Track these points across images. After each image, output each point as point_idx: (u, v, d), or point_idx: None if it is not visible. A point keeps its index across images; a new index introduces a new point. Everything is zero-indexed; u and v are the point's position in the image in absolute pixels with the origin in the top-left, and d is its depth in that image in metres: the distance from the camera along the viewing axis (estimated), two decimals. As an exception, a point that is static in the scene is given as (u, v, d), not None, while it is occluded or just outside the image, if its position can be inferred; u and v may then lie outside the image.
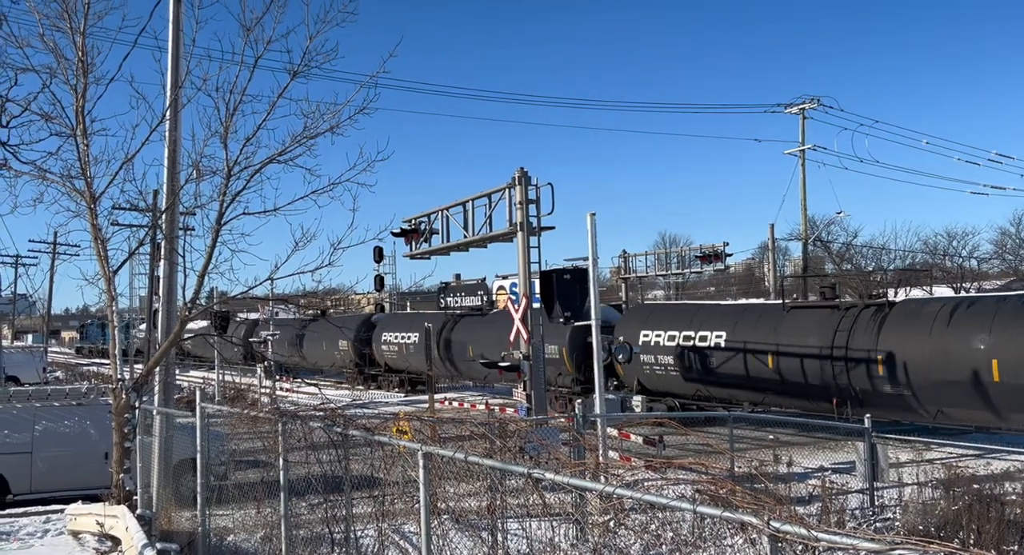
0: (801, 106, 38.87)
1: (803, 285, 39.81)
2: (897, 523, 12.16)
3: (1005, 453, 17.58)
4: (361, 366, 40.68)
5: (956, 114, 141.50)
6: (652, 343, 25.66)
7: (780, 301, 24.11)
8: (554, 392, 27.52)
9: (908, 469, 15.83)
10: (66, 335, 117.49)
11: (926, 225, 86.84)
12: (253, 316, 50.87)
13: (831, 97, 69.22)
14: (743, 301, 32.81)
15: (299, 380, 46.92)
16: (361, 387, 40.10)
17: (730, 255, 38.54)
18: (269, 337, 39.03)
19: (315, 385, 42.60)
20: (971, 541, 10.21)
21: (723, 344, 23.34)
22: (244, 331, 50.27)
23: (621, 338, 26.66)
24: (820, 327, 21.17)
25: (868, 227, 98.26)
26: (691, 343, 24.33)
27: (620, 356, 26.00)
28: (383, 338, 38.68)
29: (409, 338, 37.01)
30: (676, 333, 24.89)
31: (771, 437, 20.95)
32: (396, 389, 38.40)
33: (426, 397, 32.64)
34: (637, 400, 25.56)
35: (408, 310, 60.65)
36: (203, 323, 45.42)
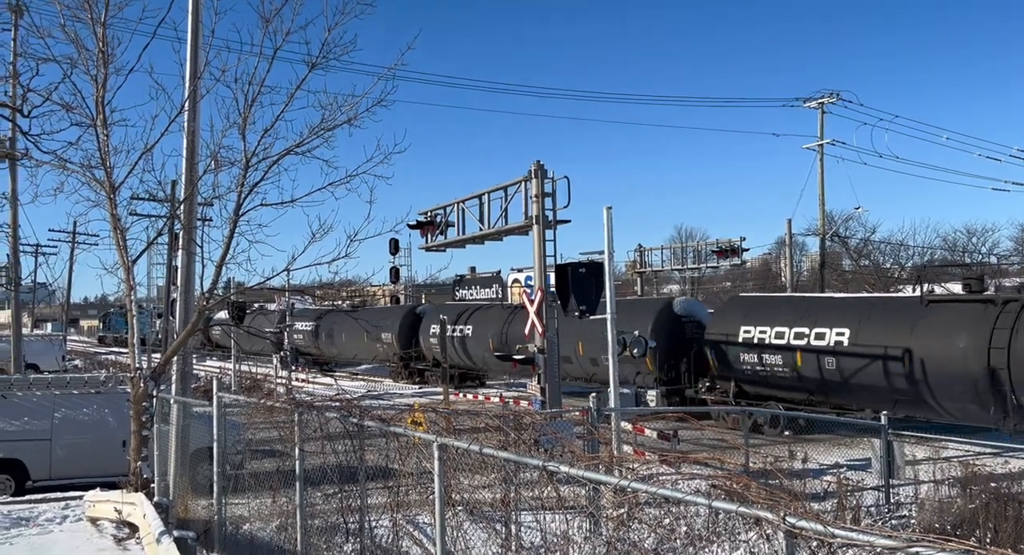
0: (820, 100, 38.56)
1: (820, 280, 39.55)
2: (913, 521, 12.10)
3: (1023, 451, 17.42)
4: (406, 360, 39.17)
5: (978, 109, 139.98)
6: (755, 340, 23.02)
7: (917, 294, 21.07)
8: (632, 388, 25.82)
9: (924, 467, 15.74)
10: (85, 324, 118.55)
11: (945, 221, 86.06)
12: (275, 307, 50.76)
13: (850, 91, 68.67)
14: (864, 295, 29.53)
15: (334, 373, 46.07)
16: (405, 382, 38.72)
17: (746, 250, 38.39)
18: (287, 328, 39.20)
19: (331, 376, 42.68)
20: (988, 540, 10.14)
21: (845, 343, 20.62)
22: (277, 321, 50.07)
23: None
24: (972, 325, 18.27)
25: (887, 223, 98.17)
26: (804, 341, 21.64)
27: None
28: (431, 331, 36.92)
29: (462, 331, 35.22)
30: (785, 329, 22.23)
31: (787, 432, 20.87)
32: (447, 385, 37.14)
33: (440, 389, 32.79)
34: (652, 395, 25.44)
35: (449, 301, 60.20)
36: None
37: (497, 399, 28.32)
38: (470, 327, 34.26)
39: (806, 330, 21.74)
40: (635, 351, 25.88)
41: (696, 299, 30.60)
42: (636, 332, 26.34)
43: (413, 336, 38.37)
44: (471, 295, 34.84)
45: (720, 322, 25.03)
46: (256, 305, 50.80)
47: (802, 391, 22.19)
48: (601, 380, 26.21)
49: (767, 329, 22.82)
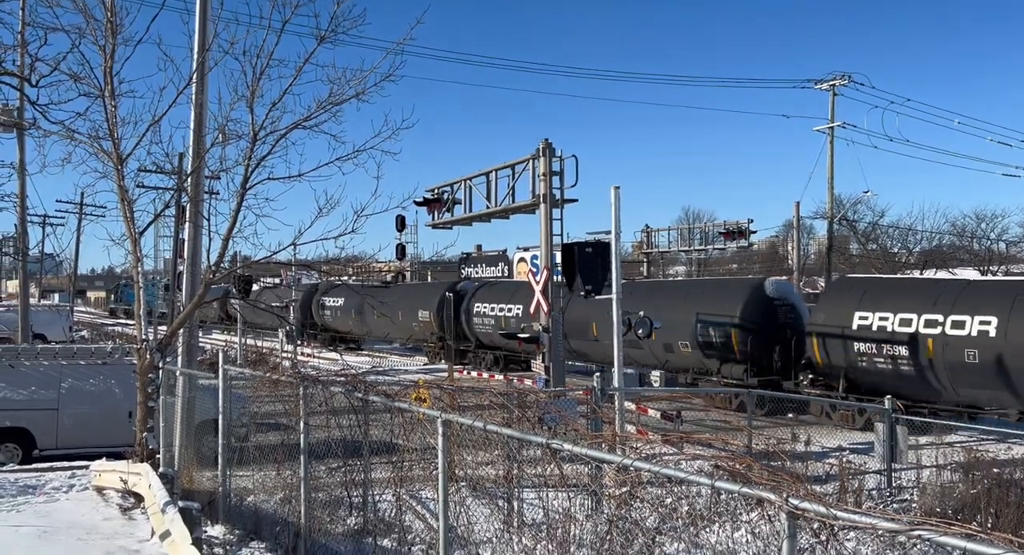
0: (832, 82, 38.24)
1: (827, 264, 39.43)
2: (914, 505, 12.13)
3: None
4: (445, 339, 36.37)
5: (990, 94, 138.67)
6: (874, 328, 20.19)
7: None
8: (716, 382, 23.67)
9: (927, 451, 15.76)
10: (92, 295, 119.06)
11: (955, 206, 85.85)
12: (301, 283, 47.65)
13: (863, 74, 68.06)
14: (1012, 278, 26.30)
15: (365, 352, 44.10)
16: (445, 363, 35.50)
17: (754, 232, 38.24)
18: (291, 302, 39.24)
19: (335, 353, 42.63)
20: (989, 525, 10.17)
21: (992, 333, 17.89)
22: (303, 297, 46.73)
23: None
24: None
25: (895, 207, 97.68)
26: (937, 330, 18.91)
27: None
28: (476, 309, 34.38)
29: (512, 310, 32.57)
30: (912, 316, 19.47)
31: (789, 415, 20.91)
32: (492, 368, 33.35)
33: (444, 366, 32.88)
34: (655, 375, 25.40)
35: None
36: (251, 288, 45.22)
37: (501, 377, 28.34)
38: (520, 307, 31.28)
39: (939, 317, 18.99)
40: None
41: (784, 280, 27.45)
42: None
43: (455, 315, 35.88)
44: (477, 273, 34.75)
45: (828, 307, 22.03)
46: (279, 279, 49.53)
47: (930, 388, 19.51)
48: (676, 367, 25.38)
49: (889, 316, 19.92)
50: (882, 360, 20.16)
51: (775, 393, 21.31)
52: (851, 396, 20.37)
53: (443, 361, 35.84)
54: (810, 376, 22.02)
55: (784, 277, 36.56)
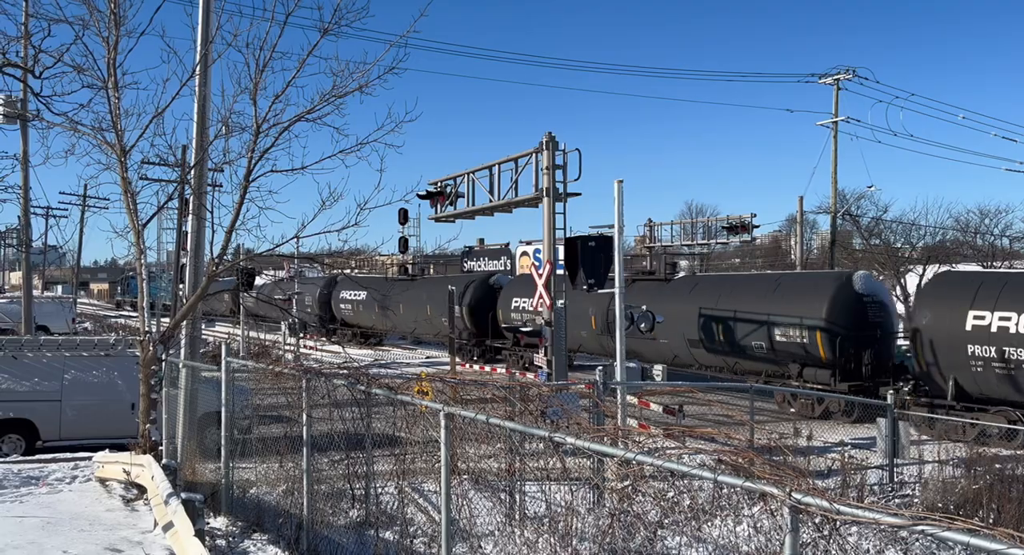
0: (835, 77, 38.11)
1: (830, 258, 39.36)
2: (916, 500, 12.14)
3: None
4: (480, 337, 34.22)
5: (995, 89, 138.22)
6: (993, 329, 17.82)
7: None
8: (799, 385, 21.12)
9: (929, 446, 15.76)
10: (95, 287, 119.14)
11: (958, 202, 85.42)
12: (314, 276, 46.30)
13: (867, 68, 67.92)
14: None
15: (386, 347, 42.01)
16: (479, 363, 33.90)
17: (757, 227, 38.13)
18: (295, 295, 39.19)
19: (333, 346, 42.50)
20: (991, 520, 10.17)
21: None
22: (319, 291, 45.20)
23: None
24: None
25: (899, 202, 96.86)
26: None
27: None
28: (514, 304, 31.84)
29: (520, 303, 30.19)
30: None
31: (792, 410, 20.91)
32: (530, 369, 30.96)
33: (447, 359, 32.87)
34: (658, 369, 25.35)
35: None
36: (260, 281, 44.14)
37: (504, 370, 28.32)
38: (561, 302, 30.81)
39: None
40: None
41: (865, 271, 24.65)
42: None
43: (489, 310, 33.39)
44: (479, 266, 34.63)
45: (934, 305, 19.42)
46: (282, 271, 47.12)
47: None
48: (746, 370, 23.44)
49: (1012, 315, 17.66)
50: (1002, 366, 17.72)
51: (777, 388, 21.33)
52: (960, 406, 18.54)
53: (476, 360, 34.23)
54: (910, 382, 19.74)
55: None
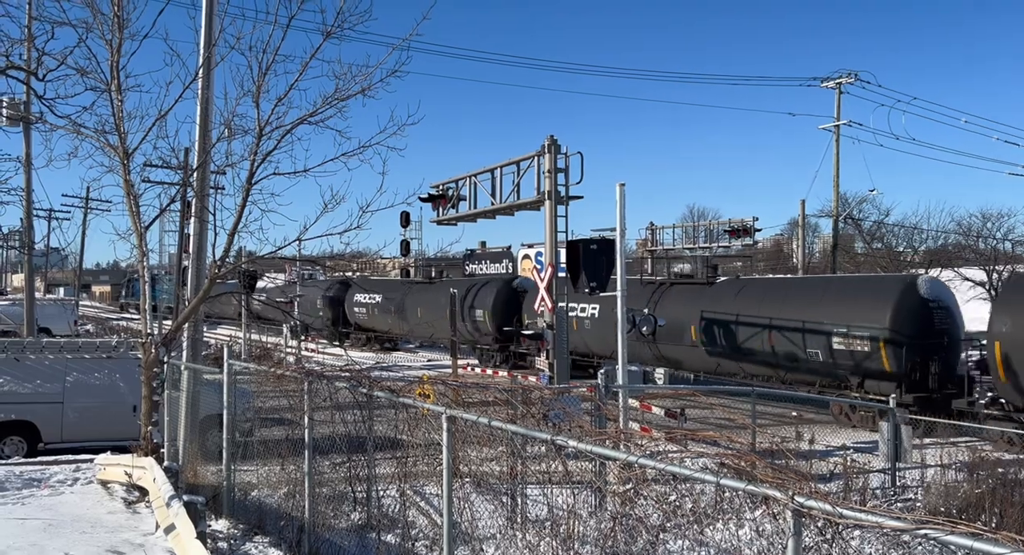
0: (838, 80, 38.13)
1: (832, 262, 39.35)
2: (919, 504, 12.12)
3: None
4: (504, 342, 32.41)
5: (997, 93, 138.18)
6: None
7: None
8: (858, 396, 19.80)
9: (931, 451, 15.73)
10: (97, 289, 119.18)
11: (960, 206, 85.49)
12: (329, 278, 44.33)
13: (869, 72, 67.94)
14: None
15: (400, 351, 40.38)
16: (504, 370, 31.26)
17: (759, 230, 38.13)
18: (296, 298, 39.15)
19: (338, 347, 42.34)
20: (993, 525, 10.15)
21: None
22: (333, 294, 43.88)
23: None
24: None
25: (901, 206, 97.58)
26: None
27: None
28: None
29: (586, 310, 28.20)
30: None
31: (794, 414, 20.89)
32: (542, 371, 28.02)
33: (449, 362, 32.82)
34: (660, 373, 25.39)
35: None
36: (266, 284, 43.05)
37: (505, 373, 28.22)
38: (596, 306, 27.81)
39: None
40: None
41: (934, 279, 23.08)
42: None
43: (514, 314, 31.85)
44: (481, 270, 34.53)
45: (1013, 311, 17.65)
46: (307, 275, 45.35)
47: None
48: (798, 381, 22.22)
49: None
50: None
51: (780, 392, 21.29)
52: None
53: (499, 365, 32.37)
54: (988, 395, 18.06)
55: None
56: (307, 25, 11.51)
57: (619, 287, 15.58)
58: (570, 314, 27.52)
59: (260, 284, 44.73)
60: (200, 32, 12.44)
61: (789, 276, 39.63)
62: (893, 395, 15.97)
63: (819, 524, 4.17)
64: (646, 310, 25.96)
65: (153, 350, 11.62)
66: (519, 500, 7.28)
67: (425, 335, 38.14)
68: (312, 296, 44.53)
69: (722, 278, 26.63)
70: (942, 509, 10.94)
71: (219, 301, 40.54)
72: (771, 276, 39.13)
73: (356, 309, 42.71)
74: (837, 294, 21.76)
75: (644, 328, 25.73)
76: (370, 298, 41.20)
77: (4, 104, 20.44)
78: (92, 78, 11.11)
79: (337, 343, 41.91)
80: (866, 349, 19.91)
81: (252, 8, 11.07)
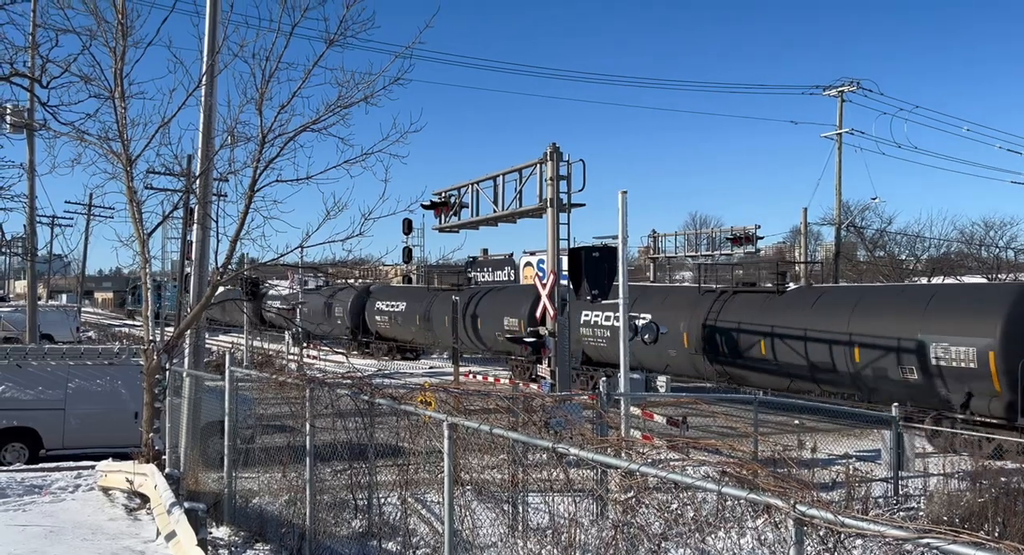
0: (840, 89, 38.21)
1: (835, 271, 39.32)
2: (921, 513, 12.08)
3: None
4: (539, 355, 30.55)
5: (1000, 102, 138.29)
6: None
7: None
8: (963, 418, 17.98)
9: (934, 459, 15.69)
10: (100, 296, 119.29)
11: (963, 214, 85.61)
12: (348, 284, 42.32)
13: (871, 80, 67.97)
14: None
15: (423, 360, 38.73)
16: (534, 384, 28.17)
17: (761, 238, 38.18)
18: (298, 304, 39.14)
19: (341, 354, 42.14)
20: (996, 534, 10.11)
21: None
22: (353, 302, 42.12)
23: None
24: None
25: (903, 214, 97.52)
26: None
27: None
28: (584, 318, 27.64)
29: (600, 316, 26.24)
30: None
31: (796, 422, 20.85)
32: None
33: (450, 369, 32.80)
34: (662, 381, 25.28)
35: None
36: (282, 291, 42.30)
37: (507, 381, 28.14)
38: (647, 317, 25.68)
39: None
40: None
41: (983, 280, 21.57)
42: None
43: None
44: (483, 277, 34.47)
45: None
46: (324, 283, 43.16)
47: None
48: (885, 398, 19.62)
49: None
50: None
51: (782, 400, 21.22)
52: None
53: (535, 380, 28.83)
54: None
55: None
56: (310, 33, 11.56)
57: (621, 295, 15.57)
58: (617, 324, 24.88)
59: (274, 291, 44.64)
60: (203, 40, 12.49)
61: (876, 284, 35.78)
62: (896, 404, 15.88)
63: (821, 533, 4.15)
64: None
65: (155, 357, 11.63)
66: (520, 508, 7.26)
67: (449, 345, 35.23)
68: (330, 304, 42.83)
69: (793, 286, 24.56)
70: (945, 518, 10.90)
71: (227, 309, 40.50)
72: (848, 284, 35.44)
73: (378, 318, 40.74)
74: (936, 304, 19.64)
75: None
76: (392, 306, 39.19)
77: (8, 111, 20.50)
78: (96, 85, 11.15)
79: (355, 352, 40.52)
80: (971, 365, 17.73)
81: (255, 16, 11.10)
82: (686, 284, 30.33)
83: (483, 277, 34.15)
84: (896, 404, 15.64)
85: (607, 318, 26.68)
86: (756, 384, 23.04)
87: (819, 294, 22.76)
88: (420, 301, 36.50)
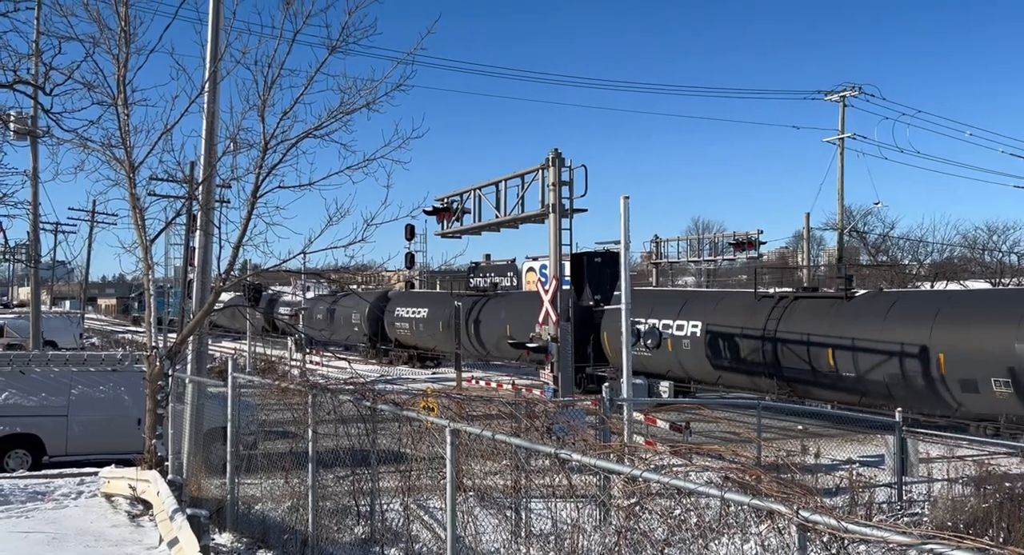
0: (842, 93, 38.24)
1: (837, 275, 39.28)
2: (925, 519, 12.04)
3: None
4: (579, 363, 25.78)
5: (1002, 106, 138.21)
6: None
7: None
8: None
9: (938, 465, 15.63)
10: (103, 302, 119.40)
11: (966, 218, 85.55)
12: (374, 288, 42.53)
13: (873, 85, 67.97)
14: None
15: (444, 368, 36.51)
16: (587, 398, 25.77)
17: (764, 243, 38.19)
18: (300, 310, 39.14)
19: (343, 360, 41.95)
20: (1001, 540, 10.08)
21: None
22: (371, 307, 40.59)
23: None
24: None
25: (906, 219, 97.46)
26: None
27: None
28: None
29: (684, 327, 24.13)
30: None
31: (799, 427, 20.80)
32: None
33: (453, 374, 32.77)
34: (664, 386, 25.22)
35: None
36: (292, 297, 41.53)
37: (510, 386, 28.09)
38: (697, 324, 24.15)
39: None
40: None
41: None
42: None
43: (591, 332, 27.82)
44: (485, 282, 34.41)
45: None
46: (340, 289, 43.44)
47: None
48: (974, 415, 18.44)
49: None
50: None
51: (784, 405, 21.18)
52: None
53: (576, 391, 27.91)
54: None
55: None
56: (312, 40, 11.60)
57: (623, 300, 15.55)
58: (674, 332, 24.53)
59: (287, 297, 44.47)
60: (206, 46, 12.54)
61: (969, 289, 32.03)
62: (899, 408, 15.82)
63: (824, 539, 4.15)
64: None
65: (158, 363, 11.64)
66: (523, 514, 7.25)
67: (480, 354, 34.95)
68: (346, 311, 41.40)
69: (861, 291, 22.61)
70: (949, 524, 10.86)
71: (236, 316, 40.25)
72: (929, 288, 32.63)
73: (398, 324, 38.97)
74: None
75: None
76: (414, 312, 37.45)
77: (11, 118, 20.56)
78: (99, 92, 11.19)
79: (373, 361, 39.56)
80: None
81: (258, 23, 11.14)
82: (739, 289, 28.44)
83: (485, 282, 34.12)
84: (899, 409, 15.56)
85: (666, 326, 25.04)
86: (823, 399, 21.25)
87: (892, 300, 20.69)
88: (442, 307, 34.99)
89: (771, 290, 24.83)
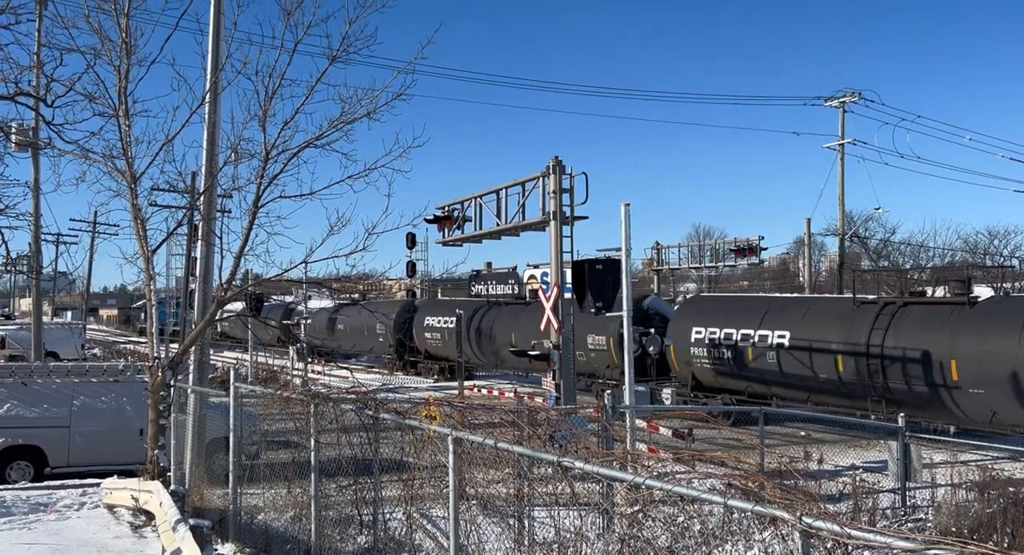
0: (842, 99, 38.32)
1: (839, 281, 39.28)
2: (929, 524, 12.00)
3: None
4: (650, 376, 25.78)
5: (1002, 111, 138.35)
6: None
7: None
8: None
9: (941, 470, 15.59)
10: (104, 313, 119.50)
11: (967, 223, 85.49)
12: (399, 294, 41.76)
13: (873, 91, 68.22)
14: None
15: (477, 380, 34.80)
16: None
17: (765, 249, 38.22)
18: (303, 320, 39.11)
19: (348, 369, 42.00)
20: (1005, 545, 10.05)
21: None
22: (398, 316, 39.42)
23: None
24: None
25: (907, 224, 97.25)
26: None
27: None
28: (695, 335, 24.02)
29: (767, 339, 21.72)
30: None
31: (802, 433, 20.76)
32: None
33: (455, 383, 32.73)
34: (667, 393, 25.20)
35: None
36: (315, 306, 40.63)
37: (512, 395, 28.08)
38: (785, 334, 21.70)
39: None
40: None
41: None
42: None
43: (647, 344, 25.97)
44: (486, 290, 34.36)
45: None
46: (361, 297, 43.08)
47: None
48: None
49: None
50: None
51: (786, 411, 21.16)
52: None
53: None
54: None
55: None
56: (313, 50, 11.63)
57: (624, 308, 15.56)
58: (744, 342, 22.52)
59: (300, 307, 44.32)
60: (207, 57, 12.58)
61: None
62: (902, 414, 15.78)
63: (828, 545, 4.14)
64: (728, 331, 23.17)
65: (160, 373, 11.64)
66: (526, 522, 7.24)
67: (520, 366, 32.64)
68: (369, 321, 39.27)
69: (984, 296, 20.21)
70: (953, 529, 10.84)
71: (258, 326, 39.80)
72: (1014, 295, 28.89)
73: (427, 334, 36.89)
74: None
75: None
76: (444, 321, 35.36)
77: (13, 130, 20.63)
78: (100, 104, 11.22)
79: (399, 372, 38.27)
80: None
81: (259, 34, 11.19)
82: (835, 295, 25.57)
83: (486, 290, 34.07)
84: (902, 415, 15.55)
85: (714, 333, 23.12)
86: (946, 420, 18.92)
87: (990, 309, 18.24)
88: (476, 317, 33.41)
89: (874, 296, 22.41)
